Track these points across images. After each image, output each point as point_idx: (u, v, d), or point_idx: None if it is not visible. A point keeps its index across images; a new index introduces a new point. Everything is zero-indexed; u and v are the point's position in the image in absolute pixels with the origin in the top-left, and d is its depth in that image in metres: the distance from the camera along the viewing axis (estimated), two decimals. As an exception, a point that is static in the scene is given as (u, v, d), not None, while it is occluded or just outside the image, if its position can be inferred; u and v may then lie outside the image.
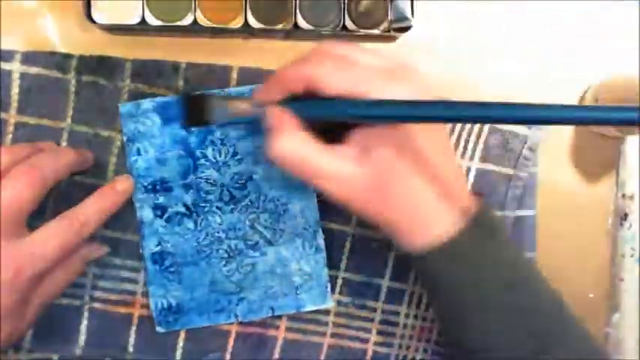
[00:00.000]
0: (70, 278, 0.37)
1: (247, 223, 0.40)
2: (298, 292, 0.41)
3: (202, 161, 0.40)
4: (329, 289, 0.41)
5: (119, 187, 0.38)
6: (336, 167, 0.33)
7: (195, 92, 0.39)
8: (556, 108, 0.29)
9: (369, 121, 0.33)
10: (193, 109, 0.37)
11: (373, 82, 0.32)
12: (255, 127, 0.39)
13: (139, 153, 0.39)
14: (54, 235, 0.34)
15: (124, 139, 0.39)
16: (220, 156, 0.40)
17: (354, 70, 0.33)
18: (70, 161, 0.36)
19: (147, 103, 0.39)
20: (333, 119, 0.34)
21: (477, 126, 0.42)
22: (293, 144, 0.33)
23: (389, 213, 0.34)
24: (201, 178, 0.40)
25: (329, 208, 0.41)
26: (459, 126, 0.42)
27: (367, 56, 0.34)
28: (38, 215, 0.39)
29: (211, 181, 0.40)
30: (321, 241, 0.41)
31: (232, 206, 0.40)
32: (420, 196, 0.33)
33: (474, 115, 0.31)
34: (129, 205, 0.39)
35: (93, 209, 0.36)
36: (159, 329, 0.41)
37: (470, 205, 0.35)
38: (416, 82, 0.33)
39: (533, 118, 0.31)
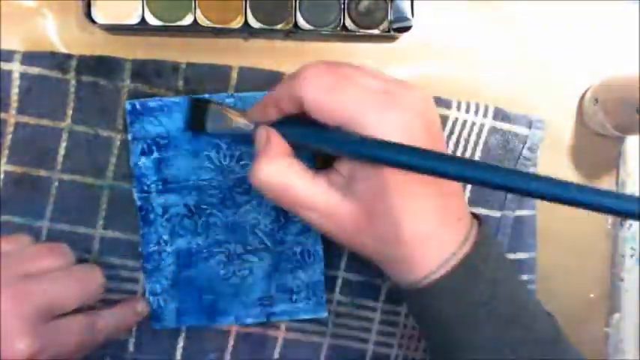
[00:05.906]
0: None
1: (248, 228, 0.40)
2: (294, 301, 0.41)
3: (207, 164, 0.40)
4: (325, 299, 0.41)
5: (139, 308, 0.39)
6: (320, 198, 0.30)
7: (202, 97, 0.38)
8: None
9: (358, 159, 0.30)
10: (196, 114, 0.37)
11: (367, 110, 0.29)
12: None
13: (143, 152, 0.39)
14: (75, 331, 0.35)
15: (129, 137, 0.39)
16: (225, 160, 0.40)
17: (348, 93, 0.29)
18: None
19: (153, 103, 0.39)
20: (320, 151, 0.31)
21: (477, 126, 0.42)
22: (275, 170, 0.30)
23: (376, 247, 0.31)
24: (204, 180, 0.40)
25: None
26: (459, 125, 0.42)
27: (364, 77, 0.30)
28: (37, 215, 0.39)
29: (214, 184, 0.40)
30: (320, 250, 0.41)
31: (234, 210, 0.40)
32: (408, 230, 0.30)
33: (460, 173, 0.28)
34: (130, 204, 0.39)
35: (113, 321, 0.37)
36: (153, 324, 0.40)
37: (467, 232, 0.32)
38: (411, 106, 0.30)
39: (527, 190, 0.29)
